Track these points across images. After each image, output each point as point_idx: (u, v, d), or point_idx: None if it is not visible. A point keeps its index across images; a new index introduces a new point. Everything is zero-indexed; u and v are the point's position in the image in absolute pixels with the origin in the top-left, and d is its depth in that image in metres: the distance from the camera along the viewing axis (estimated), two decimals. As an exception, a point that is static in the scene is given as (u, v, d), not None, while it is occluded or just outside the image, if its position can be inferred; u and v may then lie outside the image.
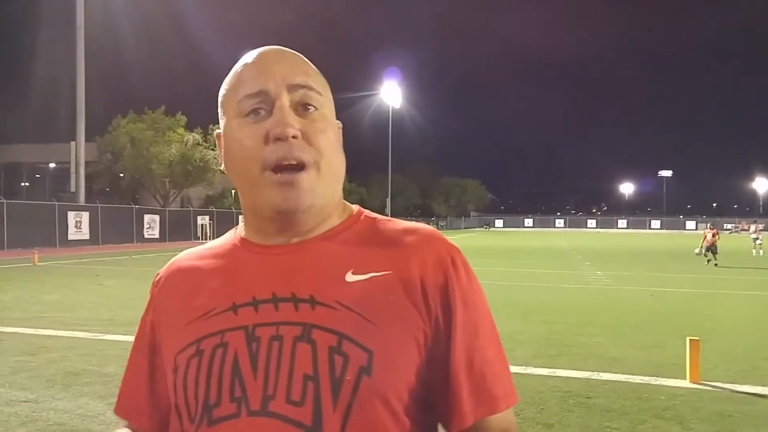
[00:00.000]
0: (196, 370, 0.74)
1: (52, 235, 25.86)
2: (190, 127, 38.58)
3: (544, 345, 6.67)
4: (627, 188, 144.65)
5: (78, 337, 6.84)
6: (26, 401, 4.52)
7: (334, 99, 0.85)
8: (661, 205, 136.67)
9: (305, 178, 0.75)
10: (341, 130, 0.85)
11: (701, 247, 20.18)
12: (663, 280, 14.46)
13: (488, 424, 0.77)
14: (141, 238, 31.96)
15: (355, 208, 0.87)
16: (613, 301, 10.64)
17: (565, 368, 5.65)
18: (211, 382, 0.73)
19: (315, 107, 0.78)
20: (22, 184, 49.25)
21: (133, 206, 32.81)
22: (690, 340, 5.24)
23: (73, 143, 30.84)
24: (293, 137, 0.74)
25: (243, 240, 0.84)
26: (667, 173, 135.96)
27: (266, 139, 0.75)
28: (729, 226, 77.07)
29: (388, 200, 56.45)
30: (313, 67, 0.83)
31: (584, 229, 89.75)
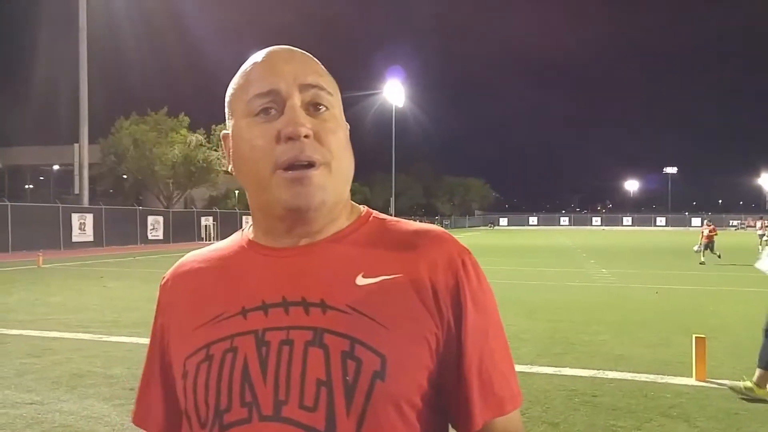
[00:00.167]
0: (206, 375, 0.74)
1: (56, 237, 25.94)
2: (192, 128, 38.66)
3: (550, 343, 6.65)
4: (632, 185, 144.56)
5: (83, 339, 6.85)
6: (31, 403, 4.53)
7: None
8: (666, 203, 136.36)
9: (316, 174, 0.74)
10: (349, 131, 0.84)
11: (700, 244, 19.71)
12: (668, 278, 14.41)
13: (495, 426, 0.77)
14: (145, 240, 32.02)
15: (363, 209, 0.86)
16: (618, 299, 10.61)
17: (570, 367, 5.63)
18: (222, 387, 0.72)
19: (326, 107, 0.78)
20: (26, 186, 49.46)
21: (137, 208, 32.89)
22: (696, 337, 5.22)
23: (76, 145, 30.94)
24: (305, 137, 0.74)
25: (251, 242, 0.83)
26: (672, 170, 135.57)
27: (278, 139, 0.74)
28: (735, 222, 76.87)
29: (392, 199, 56.42)
30: (323, 67, 0.82)
31: (589, 227, 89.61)
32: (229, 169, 0.84)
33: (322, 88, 0.78)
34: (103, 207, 29.88)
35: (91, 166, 31.73)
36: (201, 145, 37.89)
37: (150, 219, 32.96)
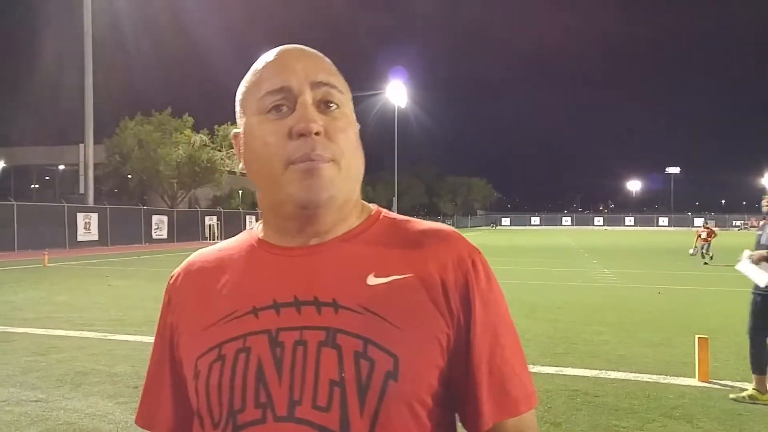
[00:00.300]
0: (219, 375, 0.73)
1: (61, 236, 26.04)
2: (196, 129, 38.70)
3: (551, 343, 6.65)
4: (634, 185, 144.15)
5: (87, 337, 6.88)
6: (36, 401, 4.56)
7: None
8: (669, 203, 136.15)
9: (326, 167, 0.74)
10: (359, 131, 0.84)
11: (695, 247, 19.24)
12: (671, 278, 14.37)
13: (506, 427, 0.76)
14: (149, 239, 32.10)
15: (374, 207, 0.86)
16: (620, 299, 10.59)
17: (572, 367, 5.63)
18: (235, 387, 0.72)
19: (337, 105, 0.78)
20: (32, 186, 49.59)
21: (141, 207, 32.96)
22: (698, 338, 5.21)
23: (81, 145, 31.06)
24: (316, 134, 0.74)
25: (260, 241, 0.83)
26: (674, 170, 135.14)
27: (289, 135, 0.74)
28: (738, 222, 76.53)
29: (395, 199, 56.38)
30: (334, 66, 0.82)
31: (591, 227, 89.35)
32: (240, 168, 0.84)
33: (333, 87, 0.78)
34: (108, 206, 29.97)
35: (96, 166, 31.82)
36: (205, 145, 37.91)
37: (154, 218, 33.03)
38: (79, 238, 27.27)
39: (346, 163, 0.76)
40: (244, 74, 0.82)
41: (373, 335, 0.71)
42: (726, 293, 11.48)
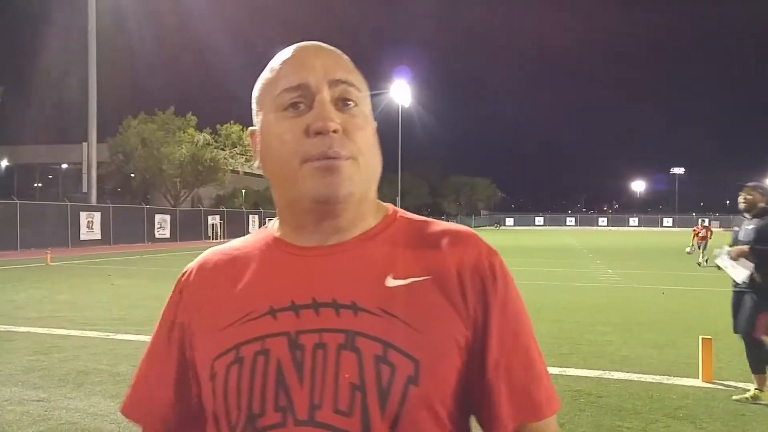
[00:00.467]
0: (237, 377, 0.72)
1: (64, 235, 26.08)
2: (200, 128, 38.77)
3: (555, 344, 6.63)
4: (639, 186, 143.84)
5: (90, 337, 6.89)
6: (38, 400, 4.56)
7: None
8: (673, 203, 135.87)
9: (345, 164, 0.73)
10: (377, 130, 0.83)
11: (692, 245, 18.93)
12: (675, 278, 14.34)
13: (531, 431, 0.75)
14: (152, 238, 32.17)
15: (390, 207, 0.85)
16: (624, 299, 10.57)
17: (576, 367, 5.62)
18: (254, 390, 0.71)
19: (354, 103, 0.77)
20: (35, 184, 49.75)
21: (144, 206, 33.01)
22: (702, 338, 5.20)
23: (84, 144, 31.14)
24: (334, 132, 0.73)
25: (277, 240, 0.81)
26: (679, 170, 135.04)
27: (307, 133, 0.73)
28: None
29: (398, 199, 56.42)
30: (352, 64, 0.81)
31: (595, 228, 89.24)
32: (256, 165, 0.83)
33: (351, 84, 0.77)
34: (111, 205, 30.02)
35: (99, 164, 31.92)
36: (208, 144, 37.98)
37: (157, 217, 33.09)
38: (82, 237, 27.33)
39: (364, 161, 0.76)
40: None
41: (394, 339, 0.71)
42: (730, 294, 11.43)
